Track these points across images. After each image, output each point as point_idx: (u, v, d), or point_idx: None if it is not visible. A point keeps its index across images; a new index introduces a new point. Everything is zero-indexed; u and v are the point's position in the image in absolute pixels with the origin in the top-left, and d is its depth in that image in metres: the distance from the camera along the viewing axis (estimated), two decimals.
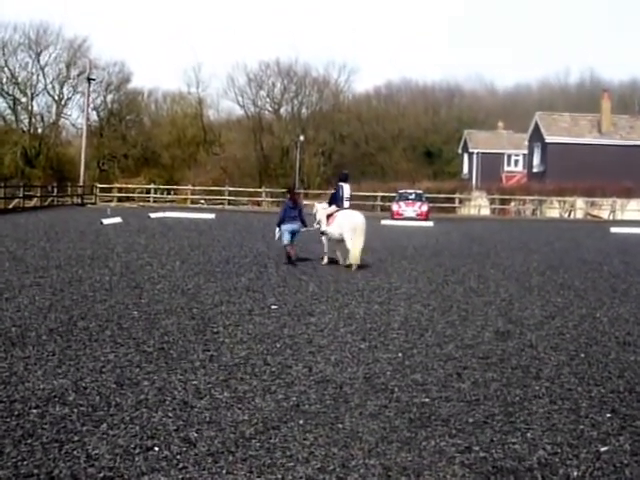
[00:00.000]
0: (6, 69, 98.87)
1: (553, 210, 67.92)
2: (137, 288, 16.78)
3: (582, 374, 10.27)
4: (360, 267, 21.76)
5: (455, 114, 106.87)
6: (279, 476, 6.66)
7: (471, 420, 8.26)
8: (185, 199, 73.46)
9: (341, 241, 22.52)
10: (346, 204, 23.42)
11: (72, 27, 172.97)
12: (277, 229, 23.22)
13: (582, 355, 11.42)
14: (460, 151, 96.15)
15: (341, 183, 23.81)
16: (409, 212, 54.35)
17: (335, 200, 23.45)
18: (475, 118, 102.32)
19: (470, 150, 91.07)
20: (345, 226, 22.12)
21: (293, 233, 22.81)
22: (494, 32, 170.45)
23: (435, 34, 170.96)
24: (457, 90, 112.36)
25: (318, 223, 23.67)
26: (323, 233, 23.15)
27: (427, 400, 8.93)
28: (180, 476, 6.60)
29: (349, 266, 21.82)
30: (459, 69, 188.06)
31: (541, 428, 8.05)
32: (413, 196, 56.96)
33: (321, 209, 23.71)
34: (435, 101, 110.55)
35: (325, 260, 23.00)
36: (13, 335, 11.74)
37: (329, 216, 23.06)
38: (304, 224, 23.11)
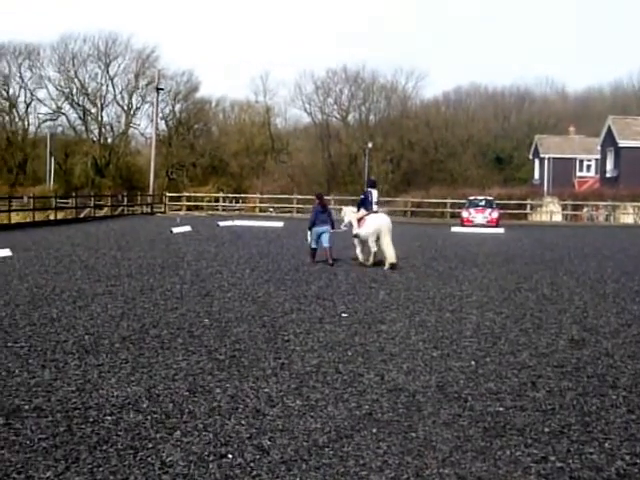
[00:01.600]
0: (76, 80, 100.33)
1: (627, 216, 66.86)
2: (208, 296, 16.86)
3: None
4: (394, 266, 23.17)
5: (525, 119, 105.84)
6: None
7: (547, 430, 8.13)
8: (253, 207, 73.77)
9: (374, 242, 23.95)
10: (374, 207, 25.07)
11: (140, 37, 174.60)
12: (309, 232, 25.05)
13: None
14: (531, 157, 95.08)
15: (369, 189, 25.70)
16: (479, 219, 53.87)
17: (364, 204, 25.06)
18: (546, 123, 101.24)
19: (541, 155, 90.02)
20: (371, 227, 23.85)
21: (320, 235, 24.53)
22: (564, 35, 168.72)
23: (504, 38, 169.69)
24: (527, 95, 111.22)
25: (346, 225, 25.45)
26: (356, 236, 24.52)
27: (501, 409, 8.82)
28: None
29: (392, 266, 23.14)
30: (529, 73, 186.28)
31: (619, 438, 7.90)
32: (483, 202, 56.45)
33: (350, 212, 25.49)
34: (505, 106, 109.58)
35: (361, 259, 24.27)
36: (87, 343, 11.86)
37: (360, 219, 24.58)
38: (333, 226, 24.94)
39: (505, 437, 7.87)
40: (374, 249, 23.80)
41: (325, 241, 24.47)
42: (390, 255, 23.24)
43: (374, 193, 25.33)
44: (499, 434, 7.96)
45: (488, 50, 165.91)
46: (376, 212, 24.99)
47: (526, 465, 7.13)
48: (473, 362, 11.03)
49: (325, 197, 27.38)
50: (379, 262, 23.85)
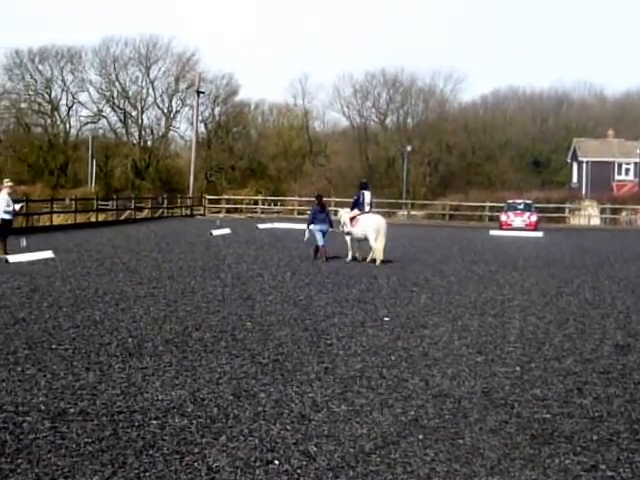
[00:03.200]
0: (117, 83, 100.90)
1: None
2: (249, 299, 16.87)
3: None
4: (385, 262, 25.14)
5: (564, 122, 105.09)
6: None
7: (595, 437, 8.03)
8: (292, 210, 73.82)
9: (363, 240, 26.06)
10: (367, 208, 27.13)
11: (181, 41, 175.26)
12: (307, 230, 27.34)
13: None
14: (569, 160, 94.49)
15: (362, 190, 27.59)
16: (518, 222, 53.54)
17: (357, 205, 27.17)
18: (584, 126, 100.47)
19: (579, 159, 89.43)
20: (369, 228, 25.65)
21: (324, 233, 26.45)
22: (603, 38, 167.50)
23: (542, 41, 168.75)
24: (565, 98, 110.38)
25: (343, 226, 27.03)
26: (348, 233, 26.47)
27: (548, 416, 8.73)
28: None
29: (373, 261, 25.25)
30: (567, 76, 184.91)
31: None
32: (522, 206, 56.08)
33: (344, 214, 27.29)
34: (543, 109, 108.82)
35: (349, 257, 26.26)
36: (130, 346, 11.89)
37: (352, 219, 26.50)
38: (331, 225, 27.10)
39: (553, 445, 7.79)
40: (374, 245, 25.51)
41: (321, 240, 26.38)
42: (379, 253, 25.36)
43: (367, 194, 27.38)
44: (547, 441, 7.88)
45: (526, 53, 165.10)
46: (368, 212, 26.99)
47: (576, 474, 7.05)
48: (518, 368, 10.94)
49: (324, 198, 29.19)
50: (364, 259, 25.98)
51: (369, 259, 25.62)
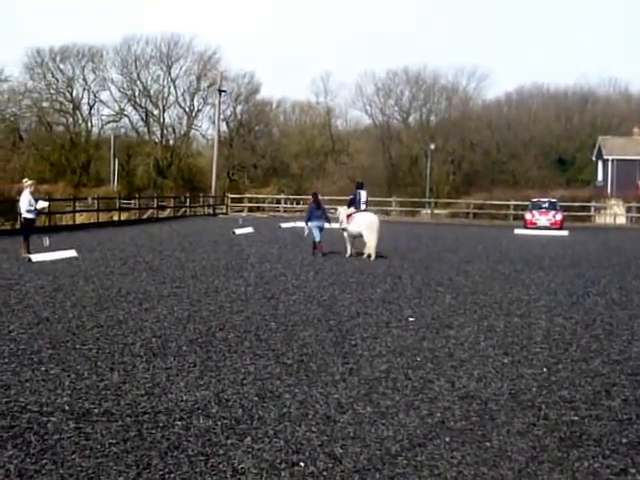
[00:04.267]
0: (139, 82, 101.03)
1: None
2: (273, 299, 16.81)
3: None
4: (379, 257, 26.54)
5: (588, 120, 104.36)
6: None
7: (624, 440, 7.93)
8: None
9: (359, 237, 27.39)
10: (362, 207, 28.98)
11: (202, 40, 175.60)
12: (305, 226, 28.98)
13: None
14: (594, 158, 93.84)
15: (358, 190, 29.60)
16: (543, 221, 53.17)
17: (353, 204, 29.07)
18: (609, 124, 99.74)
19: (605, 157, 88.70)
20: (362, 225, 27.09)
21: (320, 229, 28.13)
22: (628, 34, 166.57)
23: (567, 38, 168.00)
24: (590, 95, 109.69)
25: (341, 223, 28.41)
26: (344, 230, 27.96)
27: (576, 418, 8.63)
28: None
29: (369, 256, 26.50)
30: (592, 73, 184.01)
31: None
32: (547, 204, 55.67)
33: (342, 211, 28.82)
34: (568, 107, 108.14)
35: (348, 252, 27.64)
36: (154, 346, 11.86)
37: (349, 216, 28.01)
38: (328, 221, 28.74)
39: (582, 447, 7.69)
40: (367, 242, 26.86)
41: (317, 236, 28.06)
42: (372, 248, 26.62)
43: (362, 194, 29.36)
44: (575, 444, 7.78)
45: (550, 50, 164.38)
46: (364, 211, 28.68)
47: (605, 477, 6.97)
48: (545, 369, 10.83)
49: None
50: (361, 253, 27.13)
51: (365, 255, 26.77)
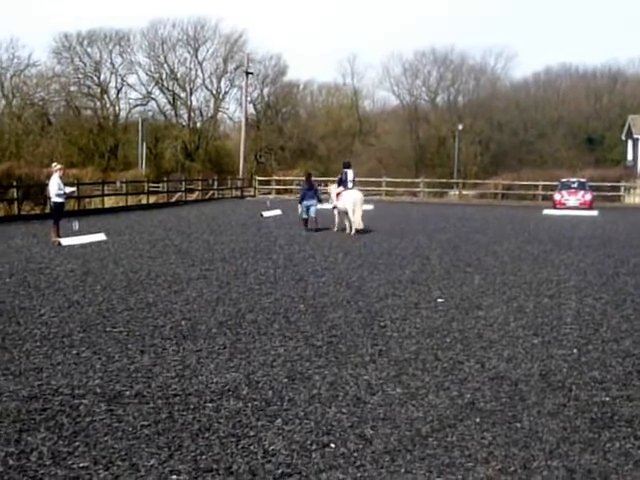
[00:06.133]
0: (165, 65, 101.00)
1: None
2: (302, 281, 16.84)
3: None
4: (363, 231, 28.79)
5: (618, 100, 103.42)
6: (459, 477, 6.48)
7: None
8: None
9: (347, 213, 29.43)
10: (350, 185, 30.87)
11: (229, 22, 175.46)
12: (299, 206, 31.28)
13: None
14: (624, 137, 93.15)
15: (345, 169, 31.59)
16: (572, 201, 52.79)
17: (341, 183, 31.11)
18: (639, 103, 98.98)
19: (635, 136, 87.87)
20: (347, 201, 29.23)
21: (308, 207, 30.47)
22: None
23: (595, 17, 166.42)
24: (620, 75, 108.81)
25: (331, 201, 31.21)
26: (334, 207, 30.43)
27: (607, 399, 8.60)
28: (358, 474, 6.49)
29: (356, 231, 28.70)
30: (621, 53, 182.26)
31: None
32: (576, 184, 55.20)
33: (333, 189, 31.48)
34: (597, 87, 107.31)
35: (335, 228, 30.10)
36: (184, 328, 11.91)
37: (338, 194, 30.24)
38: (319, 201, 31.18)
39: (613, 428, 7.67)
40: (352, 217, 29.03)
41: (312, 212, 30.52)
42: (357, 222, 28.88)
43: (349, 173, 31.36)
44: (607, 425, 7.76)
45: (579, 29, 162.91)
46: (351, 189, 30.41)
47: (637, 458, 6.95)
48: (575, 350, 10.79)
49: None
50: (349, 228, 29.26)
51: (353, 230, 28.97)
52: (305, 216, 30.76)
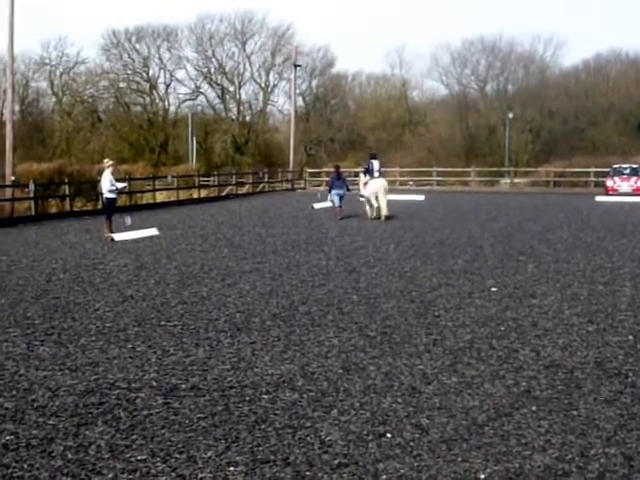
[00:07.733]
0: (214, 59, 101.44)
1: None
2: (354, 272, 16.85)
3: None
4: (389, 218, 30.71)
5: None
6: (516, 465, 6.46)
7: None
8: (393, 181, 73.35)
9: (374, 199, 31.25)
10: (376, 174, 32.38)
11: (276, 15, 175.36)
12: (329, 194, 33.53)
13: None
14: None
15: (371, 160, 33.46)
16: (624, 187, 52.23)
17: (368, 172, 32.73)
18: None
19: None
20: (371, 189, 31.21)
21: (341, 197, 32.19)
22: None
23: None
24: None
25: (360, 190, 32.73)
26: (362, 196, 32.07)
27: None
28: (415, 464, 6.50)
29: (379, 218, 30.64)
30: None
31: None
32: (628, 170, 54.58)
33: (361, 179, 33.01)
34: None
35: (369, 215, 31.61)
36: (238, 321, 11.98)
37: (365, 184, 31.87)
38: (348, 189, 33.09)
39: None
40: (376, 205, 31.11)
41: (337, 202, 32.19)
42: (383, 210, 30.74)
43: (375, 163, 32.96)
44: None
45: (628, 14, 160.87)
46: (377, 178, 31.93)
47: None
48: (631, 337, 10.70)
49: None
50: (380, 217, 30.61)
51: (382, 217, 30.60)
52: (337, 204, 32.18)
